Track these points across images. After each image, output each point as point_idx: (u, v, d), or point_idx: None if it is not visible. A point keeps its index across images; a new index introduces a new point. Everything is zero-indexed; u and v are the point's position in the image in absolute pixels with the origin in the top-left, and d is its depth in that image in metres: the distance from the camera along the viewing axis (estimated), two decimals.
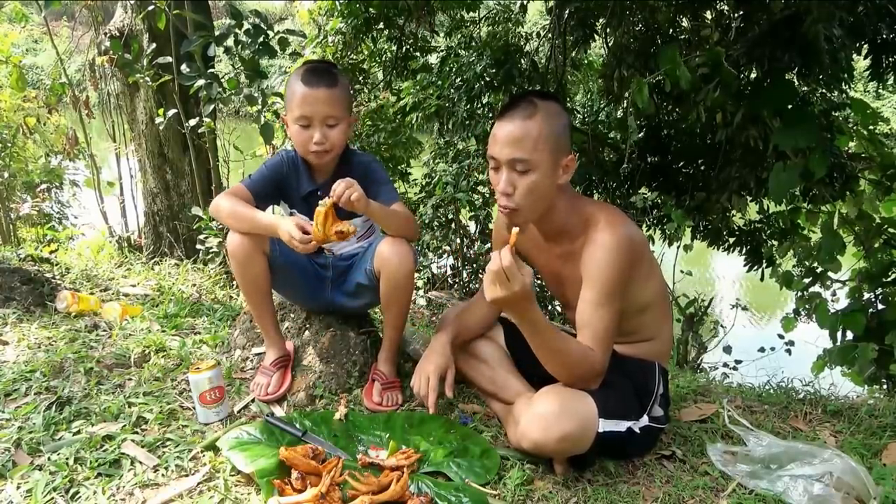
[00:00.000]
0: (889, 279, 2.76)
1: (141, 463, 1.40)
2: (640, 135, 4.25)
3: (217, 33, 2.58)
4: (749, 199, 3.75)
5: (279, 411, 1.70)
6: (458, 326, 1.73)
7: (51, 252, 3.27)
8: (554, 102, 1.46)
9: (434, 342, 1.68)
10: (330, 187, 1.74)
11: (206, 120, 2.86)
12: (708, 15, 3.61)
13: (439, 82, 4.81)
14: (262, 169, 1.77)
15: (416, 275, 4.73)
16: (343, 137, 1.70)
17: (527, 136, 1.40)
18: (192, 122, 2.90)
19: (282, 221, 1.57)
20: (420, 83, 4.91)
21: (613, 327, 1.44)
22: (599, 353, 1.42)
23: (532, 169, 1.41)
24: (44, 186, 4.34)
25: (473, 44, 5.10)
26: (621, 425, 1.46)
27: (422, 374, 1.63)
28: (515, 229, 1.32)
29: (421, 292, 4.71)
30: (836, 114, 3.28)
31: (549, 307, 4.49)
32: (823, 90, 3.43)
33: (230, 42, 2.56)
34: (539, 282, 4.30)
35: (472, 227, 4.87)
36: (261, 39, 2.55)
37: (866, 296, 2.82)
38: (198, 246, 3.06)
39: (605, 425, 1.42)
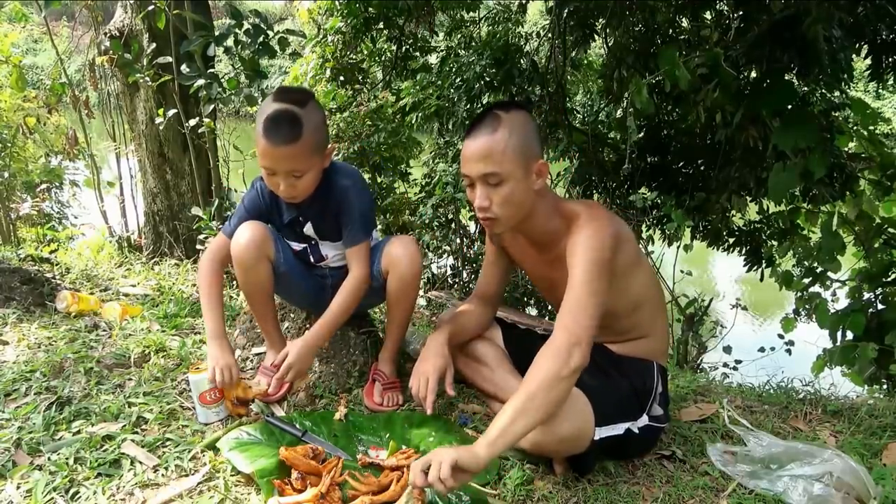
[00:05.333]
0: (889, 279, 2.76)
1: (141, 463, 1.40)
2: (639, 135, 4.25)
3: (217, 33, 2.58)
4: (749, 199, 3.76)
5: (279, 411, 1.70)
6: (454, 327, 1.72)
7: (51, 252, 3.27)
8: (519, 111, 1.48)
9: (430, 343, 1.68)
10: (311, 212, 1.71)
11: (206, 120, 2.86)
12: (707, 15, 3.61)
13: (439, 82, 4.81)
14: (240, 209, 1.74)
15: None
16: (313, 181, 1.61)
17: (494, 149, 1.42)
18: (192, 122, 2.90)
19: (215, 356, 1.58)
20: (420, 83, 4.91)
21: (593, 305, 1.36)
22: (559, 335, 1.33)
23: (504, 180, 1.43)
24: (44, 186, 4.34)
25: (473, 44, 5.10)
26: (618, 428, 1.47)
27: (419, 375, 1.62)
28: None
29: (421, 292, 4.71)
30: (836, 114, 3.28)
31: (550, 307, 4.49)
32: (823, 90, 3.43)
33: (230, 42, 2.56)
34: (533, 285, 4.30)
35: (472, 227, 4.87)
36: (261, 39, 2.55)
37: (866, 296, 2.82)
38: (198, 246, 3.06)
39: (601, 432, 1.43)
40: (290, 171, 1.54)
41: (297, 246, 1.79)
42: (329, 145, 1.63)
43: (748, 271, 4.10)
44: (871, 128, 2.96)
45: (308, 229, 1.76)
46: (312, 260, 1.82)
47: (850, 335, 2.73)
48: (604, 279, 1.40)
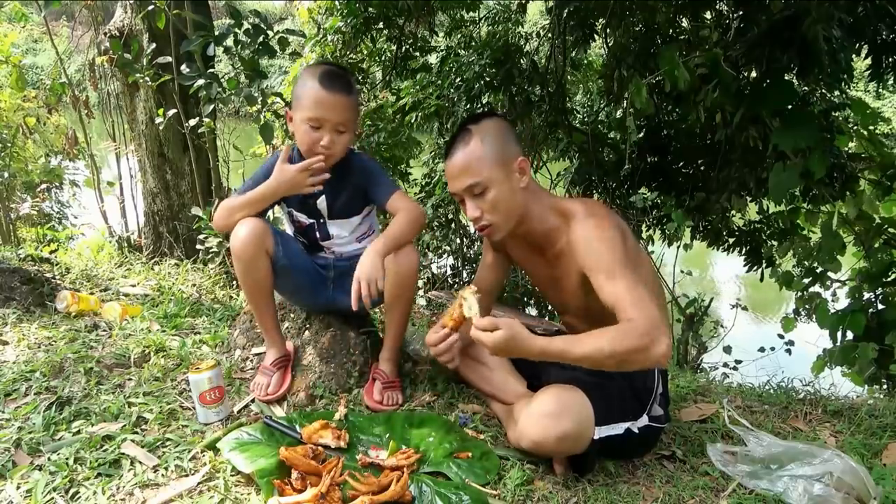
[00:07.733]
0: (889, 279, 2.76)
1: (141, 463, 1.40)
2: (639, 135, 4.25)
3: (217, 33, 2.58)
4: (749, 199, 3.75)
5: (279, 411, 1.70)
6: None
7: (51, 252, 3.27)
8: (488, 119, 1.52)
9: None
10: (328, 186, 1.74)
11: (206, 120, 2.86)
12: (707, 15, 3.61)
13: (439, 82, 4.81)
14: (257, 173, 1.77)
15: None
16: (346, 146, 1.71)
17: (469, 161, 1.47)
18: (192, 122, 2.90)
19: (279, 177, 1.65)
20: (420, 83, 4.91)
21: (642, 287, 1.35)
22: (640, 316, 1.29)
23: (488, 186, 1.47)
24: (44, 186, 4.35)
25: (473, 44, 5.10)
26: (618, 428, 1.47)
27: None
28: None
29: (421, 292, 4.71)
30: (836, 114, 3.27)
31: (550, 307, 4.49)
32: (823, 90, 3.43)
33: (230, 42, 2.56)
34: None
35: (471, 226, 4.87)
36: (260, 39, 2.55)
37: (866, 296, 2.82)
38: (198, 246, 3.06)
39: (601, 431, 1.43)
40: (339, 122, 1.64)
41: (304, 220, 1.81)
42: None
43: (748, 271, 4.09)
44: (871, 128, 2.95)
45: (321, 203, 1.78)
46: (318, 236, 1.83)
47: (850, 335, 2.72)
48: (632, 262, 1.40)
